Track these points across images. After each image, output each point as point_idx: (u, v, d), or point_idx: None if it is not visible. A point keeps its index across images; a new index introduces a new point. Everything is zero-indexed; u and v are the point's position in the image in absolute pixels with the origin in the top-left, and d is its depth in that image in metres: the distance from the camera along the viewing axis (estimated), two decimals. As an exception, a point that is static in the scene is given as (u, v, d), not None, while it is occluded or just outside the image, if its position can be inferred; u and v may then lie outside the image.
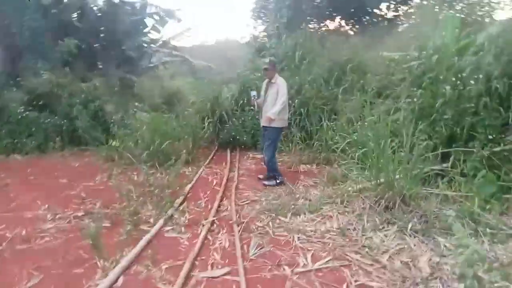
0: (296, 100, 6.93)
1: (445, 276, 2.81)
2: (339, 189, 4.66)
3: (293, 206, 4.27)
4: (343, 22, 12.10)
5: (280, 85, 5.02)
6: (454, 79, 4.60)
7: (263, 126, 5.24)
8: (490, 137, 4.29)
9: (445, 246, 3.26)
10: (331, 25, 12.20)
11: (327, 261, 3.13)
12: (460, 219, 3.46)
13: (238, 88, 7.81)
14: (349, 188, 4.56)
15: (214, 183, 5.41)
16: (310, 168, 5.97)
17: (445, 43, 5.41)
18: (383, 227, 3.65)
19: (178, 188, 4.97)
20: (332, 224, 3.85)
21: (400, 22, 11.33)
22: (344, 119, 5.98)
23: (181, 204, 4.50)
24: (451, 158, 4.36)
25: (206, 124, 7.31)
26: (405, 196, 3.88)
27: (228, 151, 7.29)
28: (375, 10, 11.70)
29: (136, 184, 5.03)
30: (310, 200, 4.51)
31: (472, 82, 4.52)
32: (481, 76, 4.52)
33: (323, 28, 12.20)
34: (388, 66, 6.49)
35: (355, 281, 2.83)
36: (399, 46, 6.81)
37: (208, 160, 6.66)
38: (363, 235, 3.54)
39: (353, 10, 11.42)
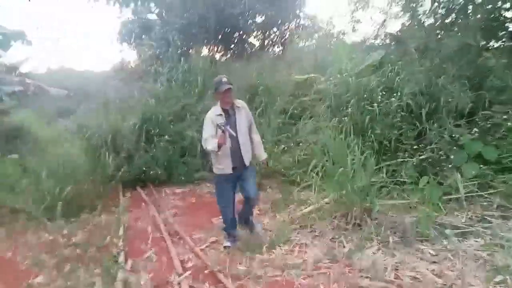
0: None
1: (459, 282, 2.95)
2: (294, 213, 4.53)
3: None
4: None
5: (247, 109, 3.83)
6: (379, 96, 5.07)
7: (234, 168, 3.63)
8: (415, 147, 4.86)
9: (429, 252, 3.46)
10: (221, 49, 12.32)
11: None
12: (425, 225, 3.76)
13: (140, 117, 6.93)
14: (305, 210, 4.49)
15: (149, 230, 4.55)
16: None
17: (353, 65, 5.98)
18: (364, 245, 3.66)
19: (106, 243, 4.00)
20: (314, 252, 3.66)
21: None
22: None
23: (125, 262, 3.61)
24: (384, 169, 4.77)
25: (109, 160, 6.19)
26: (370, 210, 4.01)
27: (139, 189, 6.34)
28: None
29: (49, 249, 3.82)
30: (270, 231, 4.22)
31: (392, 99, 5.06)
32: (397, 93, 5.12)
33: (218, 53, 12.21)
34: (297, 88, 6.81)
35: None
36: (301, 69, 7.26)
37: (122, 203, 5.62)
38: (353, 257, 3.47)
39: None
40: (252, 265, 3.43)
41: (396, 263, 3.31)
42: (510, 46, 5.57)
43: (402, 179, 4.59)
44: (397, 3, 8.52)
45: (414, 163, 4.68)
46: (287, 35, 12.88)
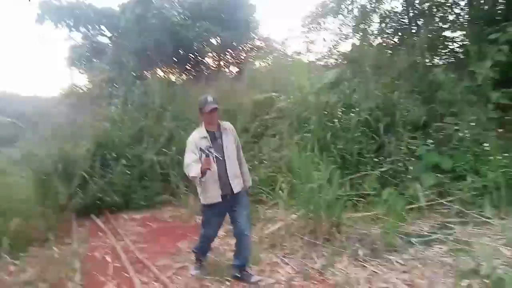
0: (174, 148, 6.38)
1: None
2: (262, 232, 4.43)
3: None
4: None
5: (235, 132, 3.46)
6: (339, 113, 5.20)
7: (224, 196, 3.21)
8: (375, 160, 5.00)
9: (398, 262, 3.49)
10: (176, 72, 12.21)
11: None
12: (391, 236, 3.82)
13: (94, 141, 6.58)
14: (273, 228, 4.41)
15: (109, 260, 4.22)
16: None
17: (311, 84, 6.13)
18: (335, 260, 3.63)
19: (61, 277, 3.66)
20: (285, 271, 3.57)
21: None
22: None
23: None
24: (348, 183, 4.85)
25: (61, 188, 5.76)
26: (338, 224, 4.02)
27: (95, 217, 5.93)
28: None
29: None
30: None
31: (352, 115, 5.21)
32: (355, 109, 5.29)
33: (174, 75, 12.05)
34: (258, 107, 6.84)
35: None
36: (261, 88, 7.33)
37: (77, 233, 5.21)
38: (326, 273, 3.42)
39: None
40: (226, 290, 3.27)
41: (368, 275, 3.30)
42: (456, 62, 5.98)
43: (365, 192, 4.67)
44: (347, 24, 9.00)
45: (376, 176, 4.80)
46: (242, 56, 13.10)
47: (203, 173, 2.98)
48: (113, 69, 10.43)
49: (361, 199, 4.67)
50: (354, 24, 8.94)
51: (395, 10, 8.41)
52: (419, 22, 8.05)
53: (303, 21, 9.69)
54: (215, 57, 12.94)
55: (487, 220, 3.91)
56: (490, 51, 4.98)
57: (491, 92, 4.90)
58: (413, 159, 4.86)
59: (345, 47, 8.87)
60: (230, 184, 3.22)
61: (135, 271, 3.76)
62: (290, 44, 12.74)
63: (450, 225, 4.05)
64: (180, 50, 11.92)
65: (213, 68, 12.77)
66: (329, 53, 8.81)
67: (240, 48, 12.87)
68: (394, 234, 3.83)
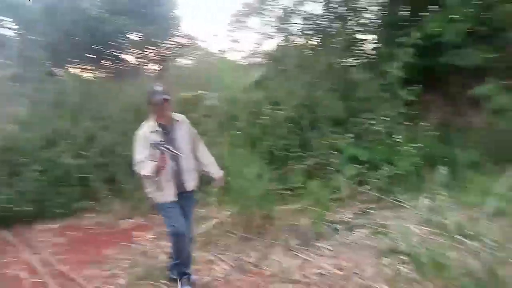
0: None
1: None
2: (195, 232, 4.36)
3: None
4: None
5: (189, 124, 3.22)
6: (267, 110, 5.34)
7: (179, 194, 3.03)
8: (301, 154, 5.24)
9: (327, 249, 3.72)
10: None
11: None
12: (319, 224, 4.05)
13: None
14: (206, 227, 4.38)
15: (25, 277, 3.78)
16: (137, 222, 5.20)
17: (239, 82, 6.21)
18: (269, 252, 3.73)
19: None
20: (222, 267, 3.58)
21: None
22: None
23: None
24: (277, 177, 5.02)
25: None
26: (270, 218, 4.15)
27: (2, 230, 5.28)
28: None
29: None
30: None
31: (278, 112, 5.39)
32: (282, 107, 5.49)
33: (91, 71, 11.15)
34: (185, 105, 6.70)
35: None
36: (187, 86, 7.21)
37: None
38: (261, 265, 3.50)
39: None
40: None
41: (301, 263, 3.46)
42: (370, 63, 6.52)
43: (293, 185, 4.87)
44: (270, 25, 9.24)
45: (303, 169, 5.04)
46: (164, 53, 12.73)
47: (157, 171, 2.77)
48: (19, 65, 9.37)
49: (290, 192, 4.86)
50: (276, 25, 9.23)
51: (315, 13, 8.87)
52: (337, 25, 8.62)
53: (229, 20, 9.73)
54: (135, 53, 12.37)
55: (400, 203, 4.35)
56: (398, 53, 5.52)
57: (400, 90, 5.45)
58: (335, 152, 5.18)
59: (269, 46, 9.06)
60: (183, 182, 3.04)
61: (58, 285, 3.44)
62: (215, 42, 12.73)
63: (369, 210, 4.43)
64: (97, 46, 11.17)
65: (133, 65, 12.20)
66: (254, 52, 8.97)
67: (162, 45, 12.48)
68: (322, 223, 4.07)
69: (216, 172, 3.31)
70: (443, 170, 3.99)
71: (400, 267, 3.18)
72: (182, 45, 12.40)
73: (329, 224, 4.14)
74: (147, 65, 12.49)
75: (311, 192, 4.60)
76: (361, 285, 3.06)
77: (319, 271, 3.32)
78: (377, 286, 3.02)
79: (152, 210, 5.21)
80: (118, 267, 3.72)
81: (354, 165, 5.02)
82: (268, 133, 5.29)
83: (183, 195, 3.06)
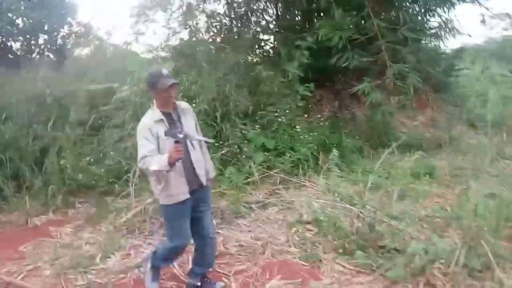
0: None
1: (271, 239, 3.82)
2: (117, 221, 4.48)
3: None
4: None
5: (192, 112, 2.90)
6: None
7: (192, 192, 2.67)
8: (216, 144, 5.68)
9: (245, 225, 4.25)
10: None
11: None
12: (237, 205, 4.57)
13: None
14: (128, 215, 4.52)
15: None
16: (51, 218, 4.99)
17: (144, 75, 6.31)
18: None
19: None
20: (151, 250, 3.81)
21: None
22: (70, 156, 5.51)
23: None
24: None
25: None
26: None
27: None
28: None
29: None
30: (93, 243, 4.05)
31: (193, 105, 5.70)
32: (195, 100, 5.83)
33: None
34: (94, 98, 6.56)
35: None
36: (92, 78, 7.00)
37: None
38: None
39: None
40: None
41: (223, 239, 3.92)
42: (272, 61, 7.25)
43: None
44: (176, 19, 9.39)
45: (219, 158, 5.48)
46: (59, 42, 11.78)
47: (172, 164, 2.37)
48: None
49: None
50: (181, 20, 9.41)
51: (218, 11, 9.32)
52: (239, 24, 9.22)
53: (131, 12, 9.55)
54: (23, 41, 11.18)
55: (303, 183, 5.13)
56: (296, 54, 6.34)
57: (298, 87, 6.27)
58: (246, 141, 5.75)
59: (176, 41, 9.20)
60: (197, 176, 2.69)
61: (-28, 285, 3.28)
62: (117, 34, 12.24)
63: (278, 191, 5.10)
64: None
65: (22, 54, 11.01)
66: (161, 46, 9.02)
67: (56, 33, 11.52)
68: (239, 204, 4.59)
69: (212, 171, 2.99)
70: (334, 154, 4.86)
71: (306, 233, 3.89)
72: (78, 34, 11.63)
73: (245, 204, 4.67)
74: (39, 54, 11.39)
75: (228, 177, 5.10)
76: (276, 250, 3.65)
77: (239, 243, 3.83)
78: (288, 249, 3.66)
79: (66, 205, 5.14)
80: (40, 260, 3.67)
81: (263, 152, 5.66)
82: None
83: (197, 192, 2.71)
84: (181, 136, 2.38)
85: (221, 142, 5.73)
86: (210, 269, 3.10)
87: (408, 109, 7.34)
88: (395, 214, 3.77)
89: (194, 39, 8.70)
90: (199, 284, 2.95)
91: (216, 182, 5.12)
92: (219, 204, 4.57)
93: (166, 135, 2.46)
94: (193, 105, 5.75)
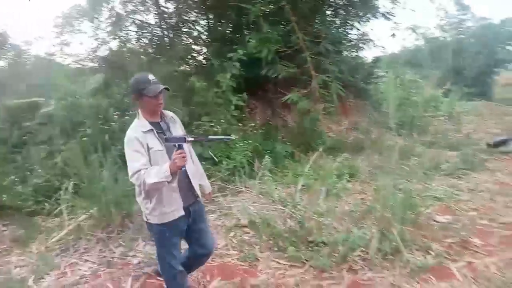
0: None
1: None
2: (48, 241, 4.32)
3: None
4: None
5: (179, 120, 2.73)
6: (114, 116, 5.56)
7: (186, 208, 2.48)
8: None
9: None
10: None
11: None
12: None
13: None
14: (62, 234, 4.39)
15: None
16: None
17: (78, 88, 6.16)
18: (133, 245, 4.11)
19: None
20: (88, 266, 3.77)
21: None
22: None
23: None
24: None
25: None
26: (129, 216, 4.51)
27: None
28: None
29: None
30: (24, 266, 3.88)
31: (126, 117, 5.69)
32: (130, 113, 5.81)
33: None
34: (15, 114, 6.19)
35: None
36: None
37: None
38: (127, 256, 3.87)
39: None
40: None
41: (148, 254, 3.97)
42: (205, 72, 7.42)
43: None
44: (104, 30, 9.18)
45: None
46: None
47: (175, 173, 2.20)
48: None
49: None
50: (110, 30, 9.23)
51: (149, 22, 9.30)
52: (171, 34, 9.28)
53: (55, 22, 9.15)
54: None
55: (240, 189, 5.37)
56: (228, 65, 6.60)
57: (232, 97, 6.53)
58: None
59: (105, 51, 8.99)
60: (191, 188, 2.51)
61: None
62: (38, 44, 11.54)
63: (216, 199, 5.27)
64: None
65: None
66: (89, 57, 8.77)
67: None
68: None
69: (207, 185, 2.87)
70: (266, 160, 5.19)
71: (243, 236, 4.12)
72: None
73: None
74: None
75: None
76: (215, 255, 3.74)
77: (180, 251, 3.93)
78: (227, 253, 3.85)
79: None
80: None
81: (201, 161, 5.79)
82: (118, 139, 5.52)
83: (191, 207, 2.52)
84: (191, 138, 2.22)
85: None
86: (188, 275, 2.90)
87: (333, 115, 7.96)
88: (322, 211, 4.15)
89: (124, 49, 8.60)
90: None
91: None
92: (158, 215, 4.62)
93: (168, 141, 2.27)
94: (127, 117, 5.75)
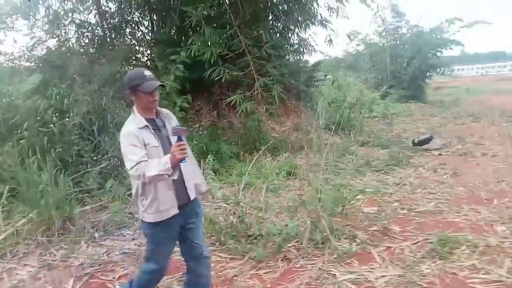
0: None
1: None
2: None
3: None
4: None
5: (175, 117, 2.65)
6: (53, 118, 5.44)
7: (181, 207, 2.44)
8: (95, 158, 5.64)
9: (127, 233, 4.42)
10: None
11: None
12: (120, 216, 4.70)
13: None
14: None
15: None
16: None
17: (14, 88, 5.92)
18: (75, 247, 4.11)
19: None
20: (26, 270, 3.71)
21: None
22: None
23: None
24: (71, 182, 5.28)
25: None
26: (70, 219, 4.47)
27: None
28: None
29: None
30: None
31: (66, 119, 5.59)
32: (69, 114, 5.70)
33: None
34: None
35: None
36: None
37: None
38: (70, 258, 3.86)
39: None
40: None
41: (107, 249, 4.04)
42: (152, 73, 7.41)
43: (91, 187, 5.25)
44: (42, 28, 8.78)
45: (98, 171, 5.47)
46: None
47: (175, 165, 2.15)
48: None
49: (87, 194, 5.21)
50: (48, 29, 8.85)
51: (90, 21, 9.05)
52: (113, 35, 9.10)
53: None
54: None
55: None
56: (172, 67, 6.69)
57: (176, 98, 6.63)
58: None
59: (42, 51, 8.58)
60: (186, 189, 2.48)
61: None
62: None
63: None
64: None
65: None
66: (24, 56, 8.34)
67: None
68: (122, 215, 4.72)
69: (204, 184, 2.81)
70: (209, 160, 5.37)
71: (187, 234, 4.28)
72: None
73: (128, 214, 4.82)
74: None
75: (109, 190, 5.15)
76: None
77: (122, 251, 4.00)
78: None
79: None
80: None
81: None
82: (58, 141, 5.41)
83: (184, 207, 2.47)
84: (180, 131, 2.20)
85: (99, 156, 5.72)
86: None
87: (275, 117, 8.34)
88: (262, 206, 4.43)
89: (63, 49, 8.33)
90: None
91: (94, 197, 5.14)
92: (100, 218, 4.64)
93: (174, 134, 2.23)
94: (67, 119, 5.65)
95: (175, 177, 2.23)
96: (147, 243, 2.57)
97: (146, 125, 2.34)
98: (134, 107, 2.44)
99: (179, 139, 2.17)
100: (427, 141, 7.97)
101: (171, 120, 2.53)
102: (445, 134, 9.60)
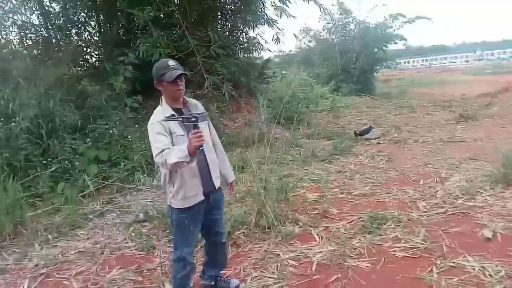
0: None
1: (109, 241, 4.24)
2: None
3: None
4: None
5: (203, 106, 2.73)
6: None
7: (206, 194, 2.57)
8: (44, 162, 5.62)
9: (81, 234, 4.51)
10: None
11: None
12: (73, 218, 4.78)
13: None
14: None
15: None
16: None
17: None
18: (28, 251, 4.15)
19: None
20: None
21: None
22: None
23: None
24: (20, 187, 5.25)
25: None
26: (22, 224, 4.49)
27: None
28: None
29: None
30: None
31: (12, 124, 5.51)
32: (15, 119, 5.62)
33: None
34: None
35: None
36: None
37: None
38: (22, 262, 3.92)
39: None
40: None
41: (61, 250, 4.12)
42: (97, 74, 7.41)
43: (42, 191, 5.24)
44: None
45: (48, 175, 5.46)
46: None
47: (193, 153, 2.19)
48: None
49: (39, 198, 5.20)
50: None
51: (33, 22, 8.78)
52: (58, 36, 8.90)
53: None
54: None
55: (139, 188, 5.65)
56: (120, 68, 6.75)
57: (127, 99, 6.71)
58: (77, 156, 5.87)
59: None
60: (211, 177, 2.59)
61: None
62: None
63: (115, 199, 5.48)
64: None
65: None
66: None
67: None
68: (75, 216, 4.79)
69: (231, 174, 2.93)
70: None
71: (142, 230, 4.46)
72: None
73: (81, 216, 4.89)
74: None
75: (61, 193, 5.18)
76: (114, 248, 4.09)
77: (77, 250, 4.11)
78: (126, 245, 4.15)
79: None
80: None
81: (97, 165, 5.91)
82: (4, 146, 5.34)
83: (210, 195, 2.61)
84: (197, 119, 2.23)
85: (49, 159, 5.70)
86: (223, 270, 3.15)
87: (227, 113, 8.62)
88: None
89: (4, 51, 8.06)
90: (212, 283, 3.00)
91: (46, 201, 5.15)
92: (53, 220, 4.70)
93: (184, 122, 2.32)
94: (13, 124, 5.58)
95: (193, 164, 2.28)
96: (174, 229, 2.68)
97: (173, 115, 2.41)
98: (162, 98, 2.55)
99: (195, 126, 2.22)
100: (367, 131, 8.63)
101: (198, 109, 2.61)
102: (384, 124, 10.40)
